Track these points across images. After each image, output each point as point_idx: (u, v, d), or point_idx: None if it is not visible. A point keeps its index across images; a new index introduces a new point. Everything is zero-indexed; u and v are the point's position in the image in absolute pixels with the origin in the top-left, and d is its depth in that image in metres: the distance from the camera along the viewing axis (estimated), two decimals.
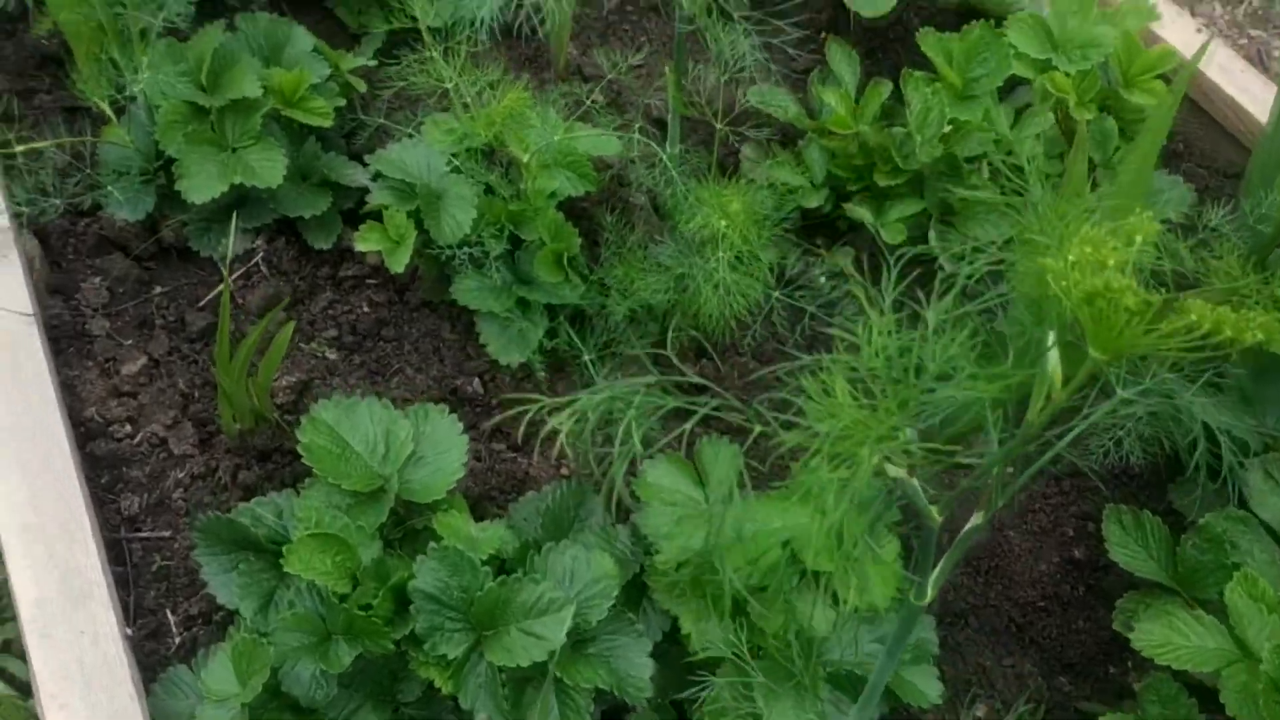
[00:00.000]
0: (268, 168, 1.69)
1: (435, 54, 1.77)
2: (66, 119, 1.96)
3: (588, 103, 1.76)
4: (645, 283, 1.58)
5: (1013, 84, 2.00)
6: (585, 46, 2.25)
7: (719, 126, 1.72)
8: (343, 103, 1.85)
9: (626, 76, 2.16)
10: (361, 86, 1.95)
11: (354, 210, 1.84)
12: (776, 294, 1.60)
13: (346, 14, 2.18)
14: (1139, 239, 0.73)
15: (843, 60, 2.00)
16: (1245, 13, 2.76)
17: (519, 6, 2.31)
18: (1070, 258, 0.73)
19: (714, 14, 1.59)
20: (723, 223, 1.39)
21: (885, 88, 1.97)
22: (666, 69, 1.76)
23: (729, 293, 1.41)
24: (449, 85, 1.72)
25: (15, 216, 1.63)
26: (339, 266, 1.82)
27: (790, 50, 2.20)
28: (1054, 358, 0.84)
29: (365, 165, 1.82)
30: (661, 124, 2.00)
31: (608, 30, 2.29)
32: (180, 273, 1.80)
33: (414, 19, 2.14)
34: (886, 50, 2.33)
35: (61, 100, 1.97)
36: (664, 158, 1.55)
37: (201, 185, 1.67)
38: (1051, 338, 0.85)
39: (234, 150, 1.72)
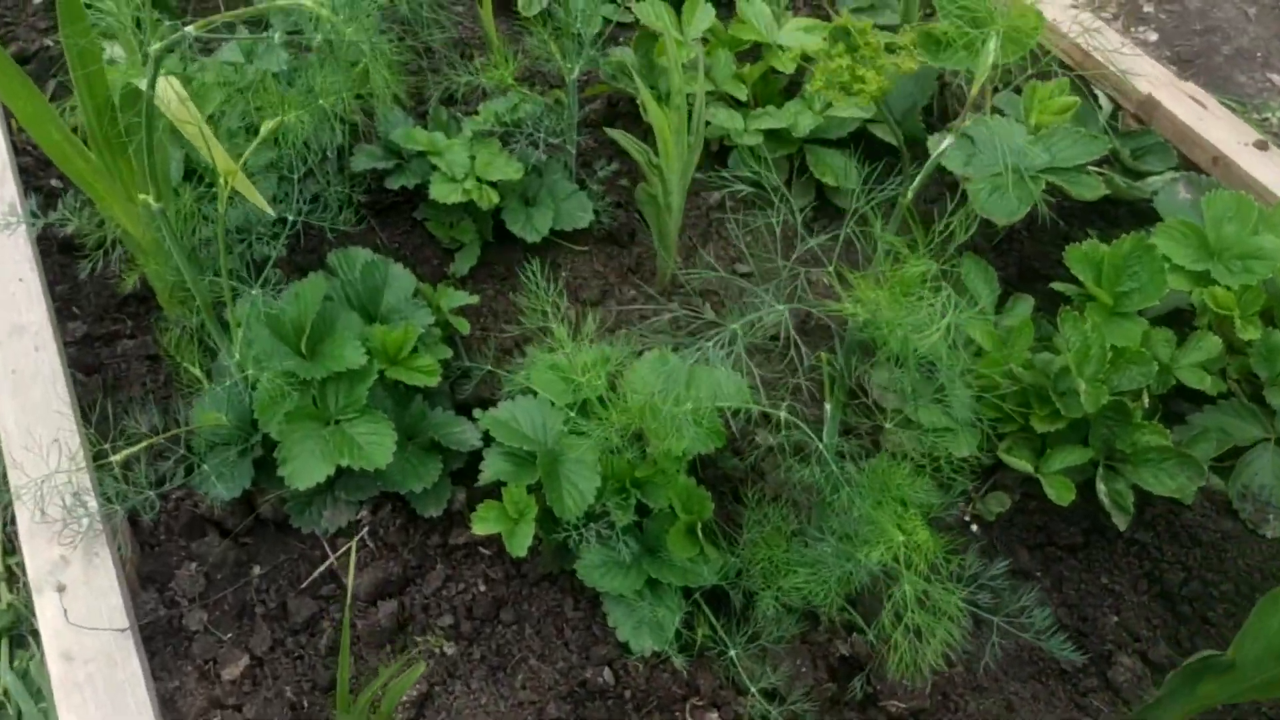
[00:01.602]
0: (375, 446, 1.56)
1: (535, 278, 1.63)
2: (150, 368, 1.84)
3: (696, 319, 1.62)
4: (794, 578, 1.42)
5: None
6: (688, 250, 2.11)
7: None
8: (449, 354, 1.72)
9: (735, 285, 2.02)
10: (465, 328, 1.82)
11: (464, 471, 1.70)
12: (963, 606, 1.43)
13: (437, 227, 2.06)
14: None
15: (978, 277, 1.85)
16: None
17: (617, 205, 2.19)
18: None
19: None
20: (906, 555, 1.23)
21: (1027, 306, 1.82)
22: (826, 369, 1.61)
23: (920, 636, 1.24)
24: (551, 321, 1.59)
25: (107, 518, 1.51)
26: (449, 533, 1.68)
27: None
28: None
29: (474, 420, 1.68)
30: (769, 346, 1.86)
31: (710, 229, 2.16)
32: (279, 548, 1.66)
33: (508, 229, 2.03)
34: (1012, 245, 2.18)
35: (145, 347, 1.86)
36: (821, 448, 1.40)
37: (305, 470, 1.54)
38: None
39: (337, 423, 1.59)
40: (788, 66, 2.09)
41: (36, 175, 2.13)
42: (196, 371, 1.69)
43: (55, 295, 1.91)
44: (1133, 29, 3.03)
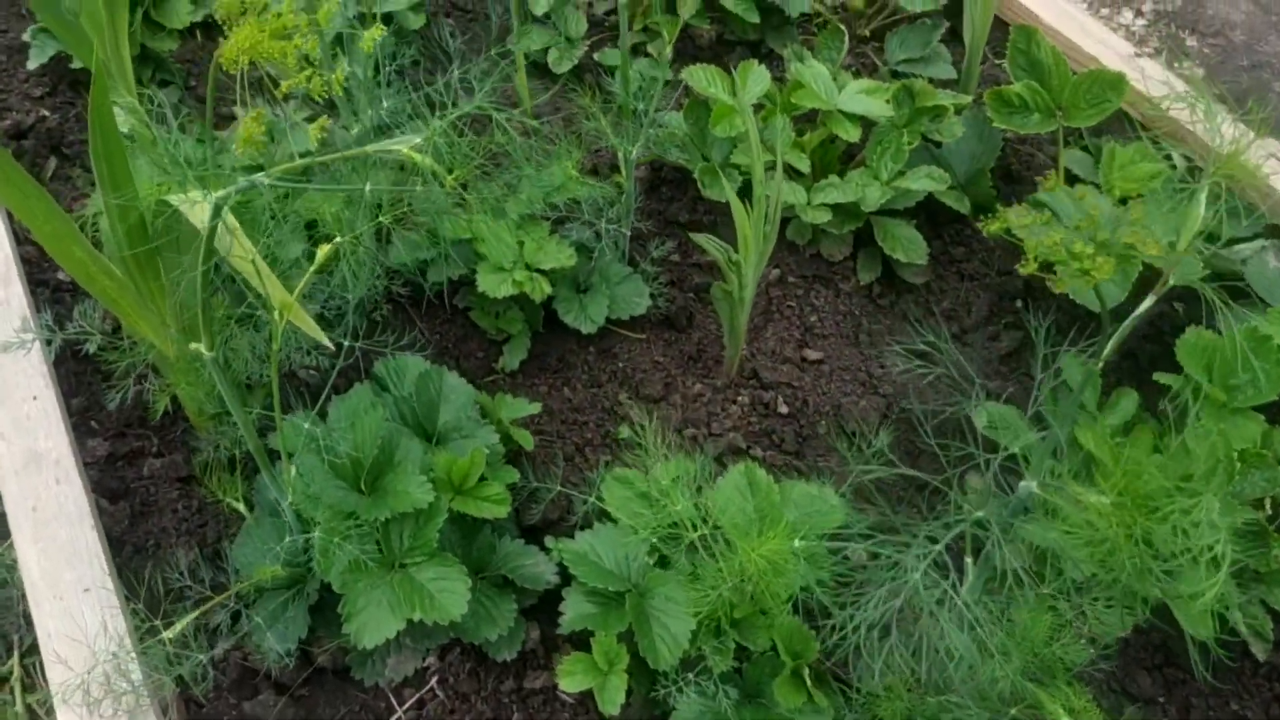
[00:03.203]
0: (448, 595, 1.41)
1: (590, 370, 1.49)
2: (182, 492, 1.68)
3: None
4: None
5: None
6: (751, 332, 1.97)
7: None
8: (515, 477, 1.57)
9: (808, 374, 1.89)
10: (529, 443, 1.67)
11: (535, 608, 1.55)
12: None
13: (482, 317, 1.91)
14: None
15: (1078, 373, 1.72)
16: None
17: (671, 284, 2.04)
18: None
19: None
20: None
21: (1132, 402, 1.70)
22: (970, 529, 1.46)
23: None
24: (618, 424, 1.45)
25: (154, 690, 1.35)
26: (524, 676, 1.53)
27: (997, 363, 1.92)
28: None
29: (546, 550, 1.54)
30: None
31: (770, 308, 2.02)
32: (339, 699, 1.51)
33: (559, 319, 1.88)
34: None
35: (175, 467, 1.70)
36: (960, 601, 1.26)
37: (373, 627, 1.39)
38: None
39: (403, 566, 1.44)
40: (851, 134, 1.95)
41: (40, 266, 1.96)
42: (238, 506, 1.53)
43: (71, 409, 1.74)
44: (1176, 64, 2.92)
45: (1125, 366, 1.89)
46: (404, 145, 0.95)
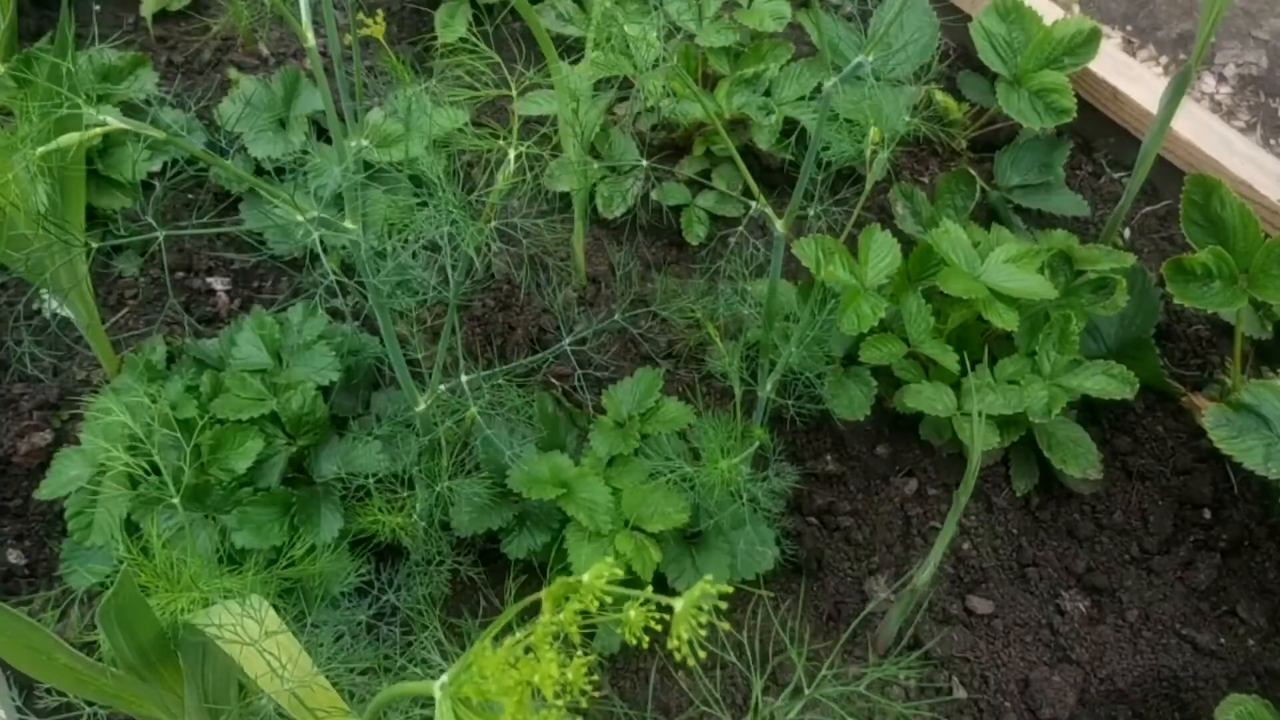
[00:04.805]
0: None
1: None
2: None
3: None
4: None
5: None
6: (891, 566, 1.60)
7: None
8: None
9: (980, 634, 1.53)
10: None
11: None
12: None
13: None
14: None
15: None
16: None
17: (790, 509, 1.66)
18: None
19: None
20: None
21: None
22: None
23: None
24: None
25: None
26: None
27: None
28: None
29: None
30: None
31: (909, 530, 1.64)
32: None
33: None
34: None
35: None
36: None
37: None
38: None
39: None
40: (1009, 322, 1.57)
41: None
42: None
43: None
44: (1272, 140, 2.60)
45: None
46: None
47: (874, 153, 1.23)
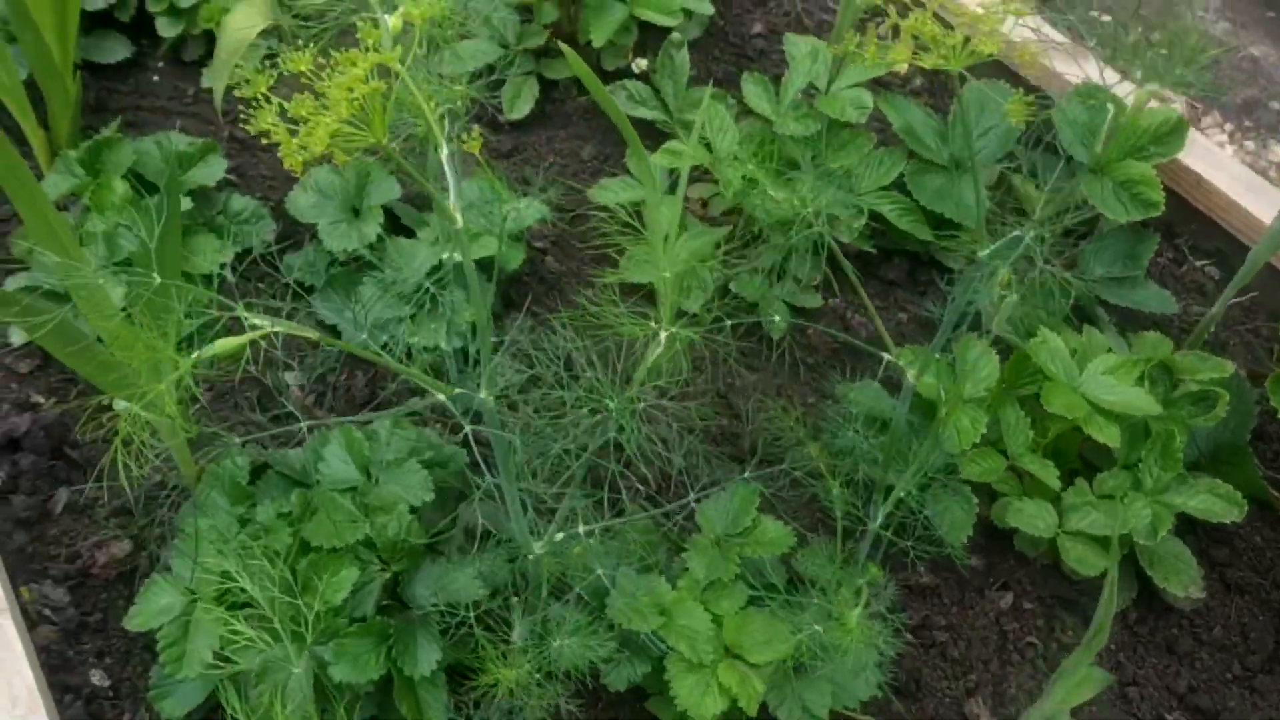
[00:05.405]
0: None
1: None
2: None
3: None
4: None
5: None
6: (989, 686, 1.56)
7: None
8: None
9: None
10: None
11: None
12: None
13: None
14: None
15: None
16: None
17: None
18: None
19: None
20: None
21: None
22: None
23: None
24: None
25: None
26: None
27: None
28: None
29: None
30: None
31: (1006, 647, 1.61)
32: None
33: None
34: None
35: None
36: None
37: None
38: None
39: None
40: (1111, 437, 1.54)
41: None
42: None
43: None
44: None
45: None
46: None
47: (1003, 297, 1.20)
